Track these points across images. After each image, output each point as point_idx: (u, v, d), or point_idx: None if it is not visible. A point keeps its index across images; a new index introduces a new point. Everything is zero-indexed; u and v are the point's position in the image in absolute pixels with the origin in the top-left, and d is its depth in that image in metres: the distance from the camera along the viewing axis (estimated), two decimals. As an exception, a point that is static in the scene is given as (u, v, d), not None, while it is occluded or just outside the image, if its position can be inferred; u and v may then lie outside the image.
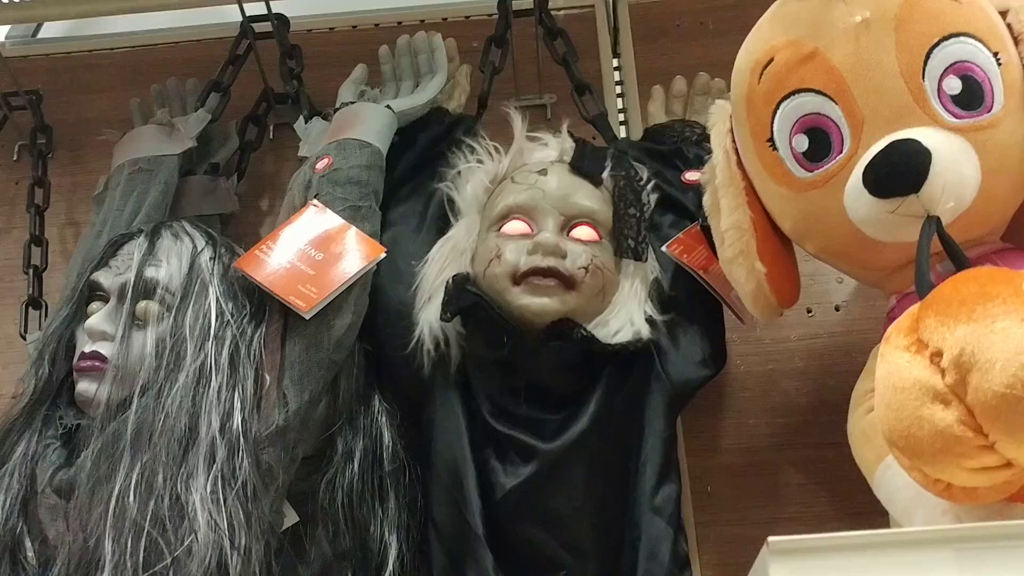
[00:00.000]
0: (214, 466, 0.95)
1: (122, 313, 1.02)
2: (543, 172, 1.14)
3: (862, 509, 1.08)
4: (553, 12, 1.49)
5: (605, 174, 1.15)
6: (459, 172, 1.20)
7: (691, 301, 1.14)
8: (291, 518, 1.05)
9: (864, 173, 0.86)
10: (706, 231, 1.13)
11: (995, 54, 0.90)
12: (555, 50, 1.37)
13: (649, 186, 1.17)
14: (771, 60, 0.95)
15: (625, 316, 1.08)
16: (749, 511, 1.20)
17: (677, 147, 1.26)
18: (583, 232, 1.10)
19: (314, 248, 1.09)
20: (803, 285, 1.21)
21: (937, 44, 0.88)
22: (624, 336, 1.06)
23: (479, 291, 1.08)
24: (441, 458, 1.08)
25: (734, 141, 1.03)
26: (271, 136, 1.46)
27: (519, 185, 1.13)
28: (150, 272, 1.04)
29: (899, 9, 0.89)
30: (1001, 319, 0.66)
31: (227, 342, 1.02)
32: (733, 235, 1.00)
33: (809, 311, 1.30)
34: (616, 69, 1.53)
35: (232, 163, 1.40)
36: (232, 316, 1.04)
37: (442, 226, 1.19)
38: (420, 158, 1.25)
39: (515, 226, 1.11)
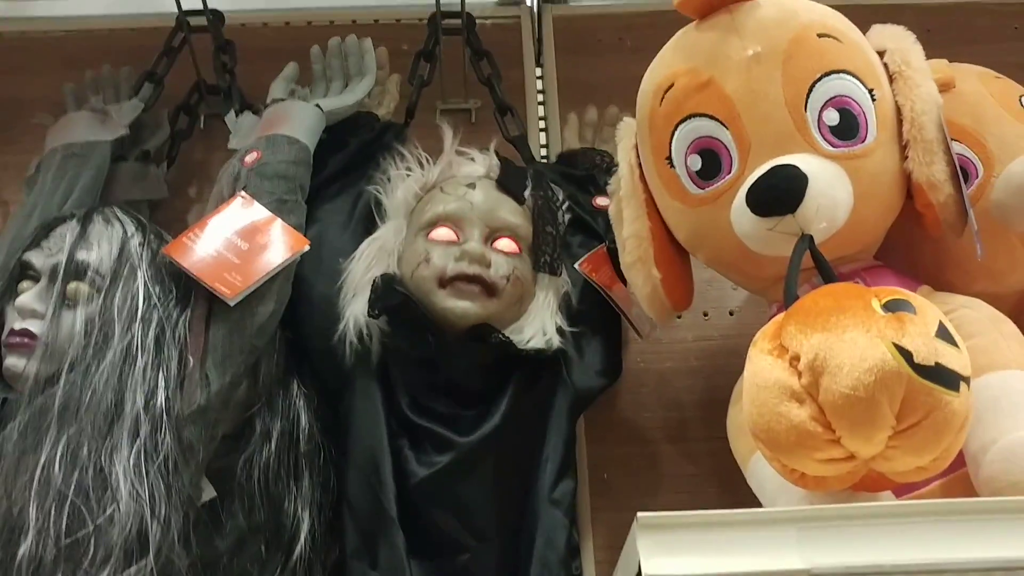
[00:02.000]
0: (137, 440, 1.00)
1: (53, 293, 1.06)
2: (472, 186, 1.22)
3: (744, 499, 1.15)
4: (480, 20, 1.57)
5: (527, 193, 1.24)
6: (389, 177, 1.27)
7: (596, 315, 1.24)
8: (209, 493, 1.10)
9: (747, 193, 0.95)
10: (612, 253, 1.23)
11: (871, 90, 0.99)
12: (480, 71, 1.45)
13: (564, 207, 1.26)
14: (672, 85, 1.03)
15: (538, 324, 1.17)
16: (641, 498, 1.28)
17: (590, 174, 1.36)
18: (505, 244, 1.19)
19: (240, 238, 1.14)
20: (700, 290, 1.31)
21: (819, 79, 0.98)
22: (537, 343, 1.15)
23: (406, 291, 1.15)
24: (359, 444, 1.15)
25: (638, 156, 1.11)
26: (202, 126, 1.51)
27: (449, 195, 1.21)
28: (81, 255, 1.09)
29: (787, 45, 0.98)
30: (851, 330, 0.76)
31: (153, 324, 1.07)
32: (633, 243, 1.09)
33: (705, 315, 1.39)
34: (539, 78, 1.61)
35: (163, 151, 1.44)
36: (159, 300, 1.09)
37: (368, 226, 1.26)
38: (350, 160, 1.31)
39: (443, 233, 1.18)
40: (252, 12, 1.61)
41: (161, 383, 1.04)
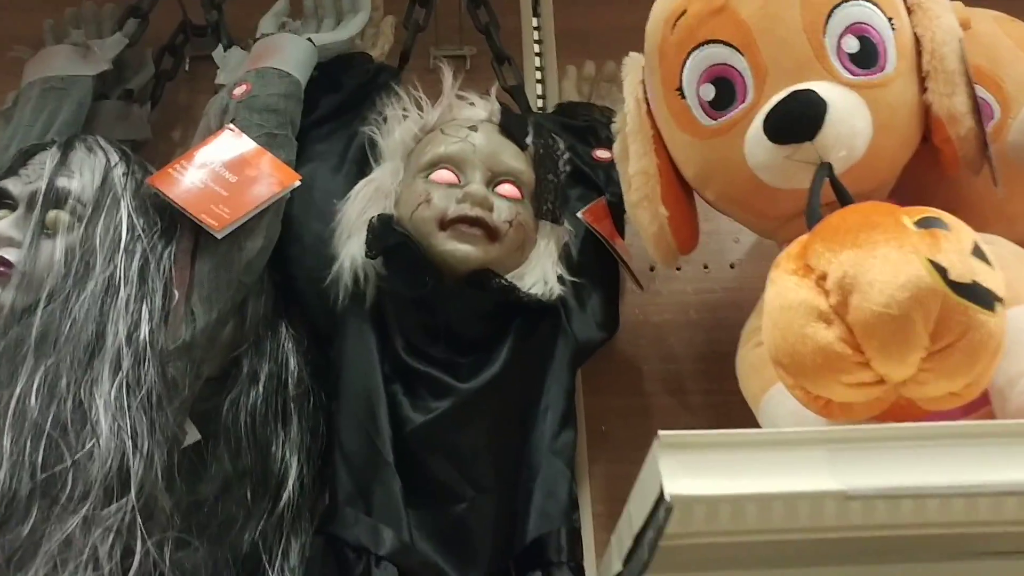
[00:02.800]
0: (119, 374, 0.95)
1: (31, 221, 1.01)
2: (474, 128, 1.17)
3: None
4: (476, -32, 1.52)
5: (529, 139, 1.19)
6: (385, 118, 1.22)
7: (595, 267, 1.21)
8: (193, 435, 1.05)
9: (764, 120, 0.92)
10: (612, 206, 1.21)
11: (890, 19, 0.96)
12: (478, 18, 1.41)
13: (565, 156, 1.22)
14: (684, 12, 0.99)
15: (540, 272, 1.13)
16: (639, 451, 1.22)
17: (591, 124, 1.32)
18: (507, 189, 1.14)
19: (228, 170, 1.09)
20: (701, 243, 1.27)
21: (838, 5, 0.94)
22: (538, 290, 1.11)
23: (405, 231, 1.10)
24: (352, 388, 1.10)
25: (645, 91, 1.07)
26: (187, 68, 1.45)
27: (450, 137, 1.16)
28: (62, 182, 1.04)
29: (805, -31, 0.94)
30: (882, 245, 0.72)
31: (137, 256, 1.02)
32: (640, 180, 1.05)
33: (706, 267, 1.36)
34: (536, 28, 1.56)
35: (147, 91, 1.39)
36: (143, 231, 1.04)
37: (361, 168, 1.21)
38: (344, 100, 1.26)
39: (443, 174, 1.14)
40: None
41: (145, 316, 0.99)
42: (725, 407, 1.21)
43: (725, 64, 0.97)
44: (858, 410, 0.75)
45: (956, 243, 0.72)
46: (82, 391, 0.93)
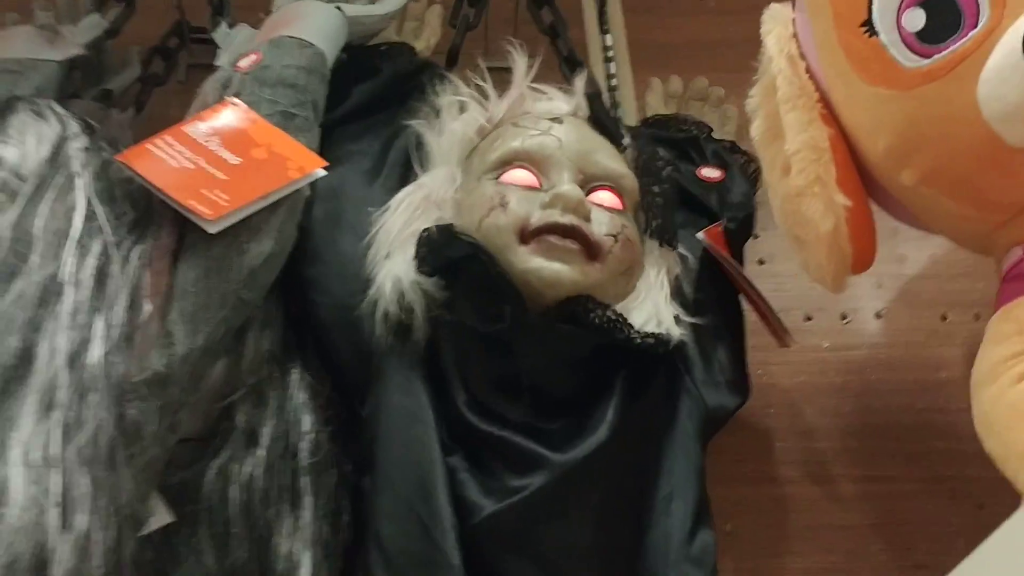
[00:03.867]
0: (52, 412, 0.63)
1: (-54, 196, 0.71)
2: (557, 120, 0.88)
3: (924, 561, 0.89)
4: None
5: (627, 140, 0.91)
6: (437, 111, 0.93)
7: (718, 310, 0.91)
8: (162, 517, 0.73)
9: (1028, 36, 0.62)
10: (729, 234, 0.93)
11: None
12: (541, 19, 1.15)
13: (669, 168, 0.92)
14: (875, -86, 0.71)
15: (651, 308, 0.83)
16: (780, 558, 0.92)
17: (693, 136, 1.05)
18: (605, 198, 0.85)
19: (229, 150, 0.80)
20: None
21: None
22: (651, 330, 0.81)
23: (476, 241, 0.80)
24: (396, 460, 0.78)
25: (799, 47, 0.79)
26: (183, 78, 1.18)
27: (527, 129, 0.87)
28: None
29: None
30: None
31: (94, 251, 0.72)
32: (807, 156, 0.75)
33: (844, 317, 1.06)
34: (605, 48, 1.31)
35: (131, 96, 1.11)
36: (107, 221, 0.74)
37: (404, 176, 0.92)
38: (382, 92, 0.98)
39: (519, 175, 0.84)
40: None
41: (98, 332, 0.68)
42: (889, 498, 0.92)
43: (945, -24, 0.68)
44: None
45: None
46: (-12, 433, 0.61)
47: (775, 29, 0.81)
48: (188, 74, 1.19)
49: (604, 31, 1.32)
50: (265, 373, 0.80)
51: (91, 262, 0.71)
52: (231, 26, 1.01)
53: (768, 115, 0.80)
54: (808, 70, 0.78)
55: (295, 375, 0.82)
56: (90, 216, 0.73)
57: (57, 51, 1.00)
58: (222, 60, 0.98)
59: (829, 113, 0.77)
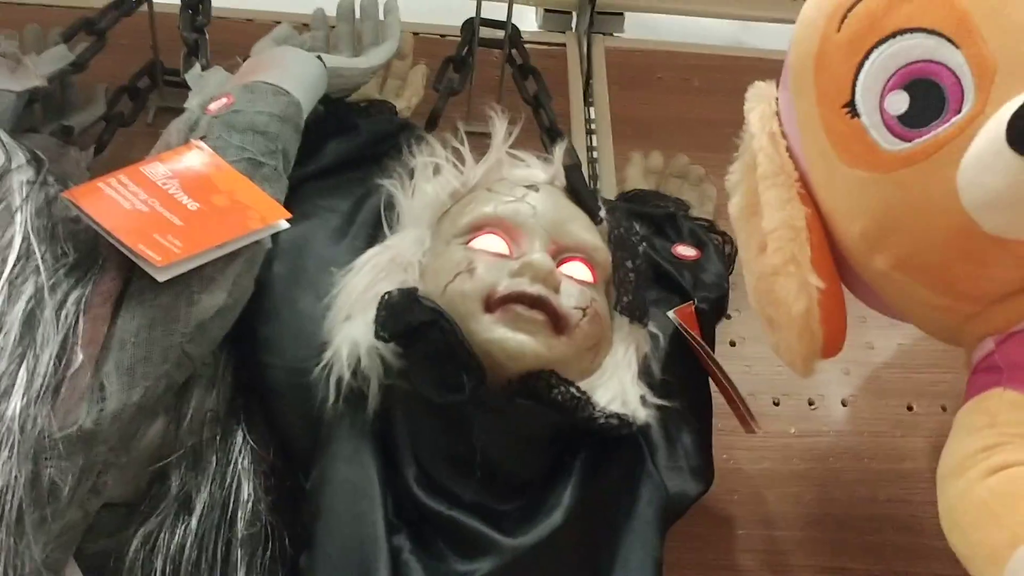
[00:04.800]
0: (-42, 465, 0.58)
1: None
2: (533, 187, 0.86)
3: None
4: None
5: (603, 213, 0.88)
6: (411, 172, 0.90)
7: (686, 392, 0.86)
8: (78, 588, 0.68)
9: (1011, 122, 0.61)
10: (700, 315, 0.91)
11: None
12: (525, 89, 1.16)
13: (643, 244, 0.90)
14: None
15: (617, 387, 0.78)
16: None
17: (671, 213, 1.03)
18: (578, 270, 0.81)
19: (188, 194, 0.76)
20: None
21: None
22: (615, 410, 0.76)
23: (439, 307, 0.76)
24: (337, 534, 0.73)
25: (781, 124, 0.77)
26: (150, 120, 1.16)
27: (500, 195, 0.84)
28: None
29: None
30: None
31: (26, 294, 0.67)
32: (784, 235, 0.73)
33: (811, 403, 1.04)
34: (587, 120, 1.30)
35: (91, 135, 1.08)
36: (43, 261, 0.69)
37: (372, 237, 0.89)
38: (358, 149, 0.96)
39: (490, 241, 0.81)
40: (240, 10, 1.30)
41: (21, 381, 0.63)
42: None
43: (929, 61, 0.67)
44: None
45: None
46: None
47: (758, 106, 0.79)
48: (157, 117, 1.16)
49: (588, 103, 1.32)
50: (207, 435, 0.76)
51: (20, 305, 0.66)
52: (204, 68, 0.98)
53: (747, 191, 0.78)
54: (789, 149, 0.76)
55: (238, 438, 0.78)
56: (26, 255, 0.69)
57: (16, 81, 0.96)
58: (191, 102, 0.95)
59: (807, 193, 0.75)
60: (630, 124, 1.26)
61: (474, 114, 1.21)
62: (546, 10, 1.39)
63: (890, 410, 1.03)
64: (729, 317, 1.04)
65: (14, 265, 0.68)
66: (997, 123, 0.62)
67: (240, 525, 0.74)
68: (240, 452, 0.78)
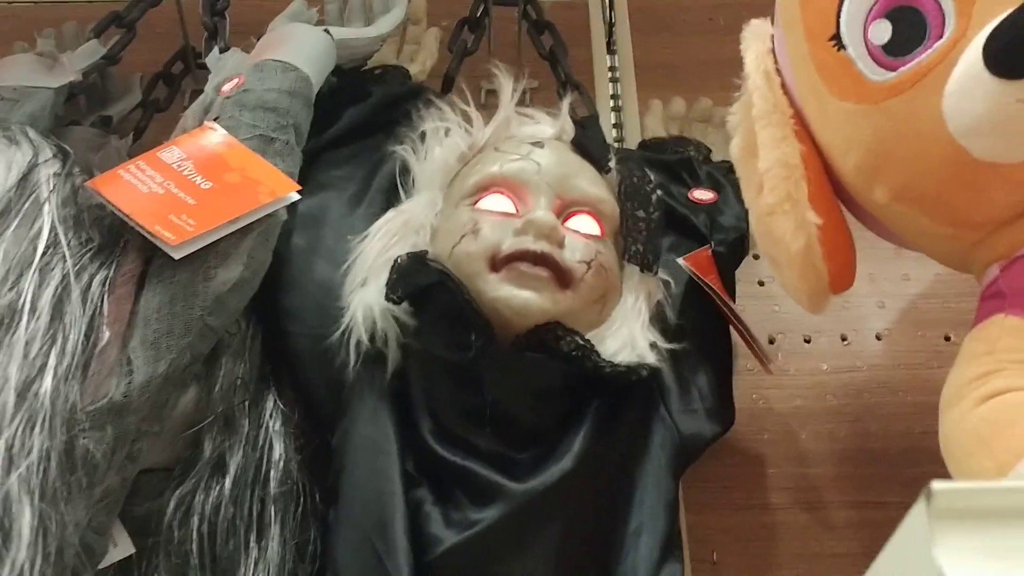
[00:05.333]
0: (-2, 438, 0.63)
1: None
2: (539, 144, 0.87)
3: None
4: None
5: (612, 163, 0.89)
6: (423, 135, 0.92)
7: (701, 335, 0.88)
8: (124, 548, 0.73)
9: (987, 45, 0.60)
10: (718, 258, 0.91)
11: None
12: (541, 44, 1.16)
13: (658, 192, 0.91)
14: (843, -74, 0.69)
15: (626, 335, 0.80)
16: None
17: (687, 158, 1.03)
18: (584, 223, 0.83)
19: (201, 175, 0.80)
20: (837, 308, 0.96)
21: None
22: (624, 358, 0.79)
23: (445, 269, 0.79)
24: (358, 489, 0.77)
25: (776, 62, 0.77)
26: (186, 103, 1.19)
27: (507, 154, 0.86)
28: None
29: None
30: None
31: (55, 279, 0.72)
32: (778, 174, 0.73)
33: (844, 338, 1.03)
34: (611, 69, 1.30)
35: (131, 122, 1.13)
36: (68, 247, 0.74)
37: (389, 202, 0.91)
38: (371, 115, 0.98)
39: (496, 201, 0.83)
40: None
41: (52, 361, 0.68)
42: (883, 526, 0.86)
43: (910, -12, 0.66)
44: None
45: None
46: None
47: (753, 45, 0.79)
48: (191, 100, 1.20)
49: (612, 51, 1.31)
50: (237, 400, 0.80)
51: (49, 291, 0.71)
52: (224, 51, 1.02)
53: (745, 132, 0.78)
54: (783, 86, 0.76)
55: (269, 403, 0.82)
56: (53, 243, 0.73)
57: (54, 78, 1.01)
58: (209, 85, 0.99)
59: (803, 130, 0.75)
60: (654, 69, 1.25)
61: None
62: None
63: (927, 342, 1.01)
64: (757, 257, 1.03)
65: (43, 253, 0.72)
66: (975, 47, 0.61)
67: (273, 484, 0.79)
68: (271, 416, 0.82)
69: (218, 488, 0.76)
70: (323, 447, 0.83)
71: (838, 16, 0.69)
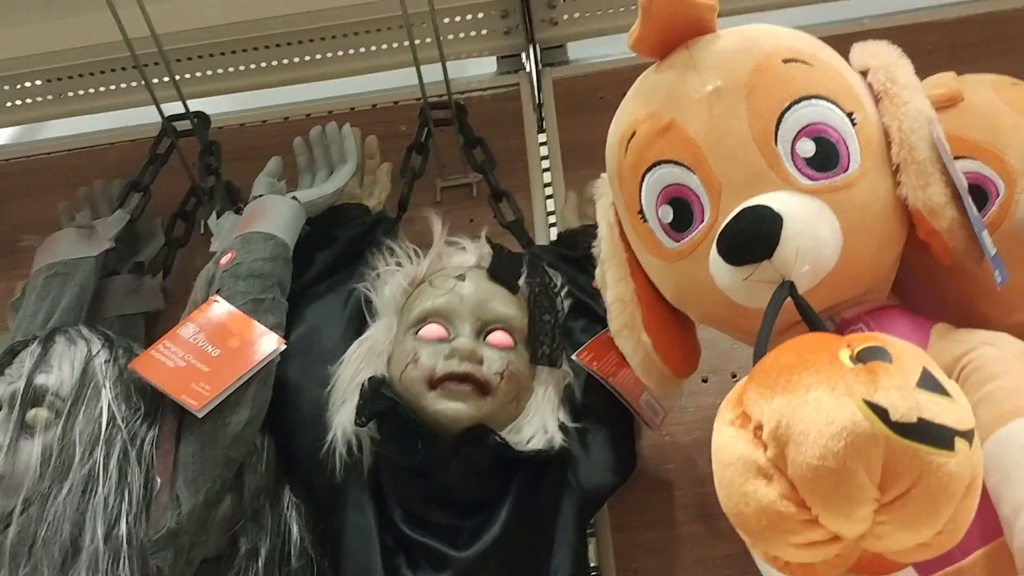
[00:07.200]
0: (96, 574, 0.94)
1: (11, 422, 1.02)
2: (461, 277, 1.15)
3: None
4: (480, 92, 1.54)
5: (521, 281, 1.16)
6: (378, 274, 1.21)
7: (603, 407, 1.15)
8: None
9: (717, 241, 0.85)
10: None
11: (850, 114, 0.89)
12: (474, 158, 1.41)
13: (563, 292, 1.18)
14: (634, 133, 0.94)
15: (539, 422, 1.08)
16: None
17: (588, 253, 1.24)
18: (498, 338, 1.11)
19: (211, 344, 1.09)
20: (725, 350, 1.21)
21: (788, 108, 0.88)
22: (537, 443, 1.06)
23: (394, 395, 1.07)
24: (351, 564, 1.06)
25: (617, 214, 1.03)
26: (202, 231, 1.47)
27: (437, 289, 1.14)
28: (40, 379, 1.04)
29: (750, 76, 0.89)
30: (814, 388, 0.64)
31: (117, 447, 1.02)
32: (617, 308, 1.00)
33: (734, 376, 1.28)
34: (542, 144, 1.53)
35: (159, 260, 1.41)
36: (124, 419, 1.03)
37: (360, 326, 1.19)
38: (340, 256, 1.26)
39: (432, 329, 1.11)
40: (243, 112, 1.59)
41: (124, 509, 0.98)
42: None
43: (679, 184, 0.91)
44: (821, 570, 0.67)
45: (898, 377, 0.64)
46: (57, 599, 0.92)
47: (602, 198, 1.05)
48: (206, 228, 1.48)
49: (542, 130, 1.55)
50: (261, 503, 1.10)
51: (115, 456, 1.00)
52: (220, 212, 1.30)
53: (600, 265, 1.04)
54: (622, 235, 1.01)
55: (285, 497, 1.12)
56: (111, 418, 1.03)
57: (92, 247, 1.30)
58: (214, 246, 1.27)
59: (636, 270, 1.00)
60: (578, 150, 1.47)
61: (447, 168, 1.48)
62: (499, 56, 1.61)
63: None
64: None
65: (106, 427, 1.02)
66: (714, 237, 0.87)
67: (293, 560, 1.09)
68: (287, 507, 1.12)
69: (252, 571, 1.06)
70: (326, 529, 1.11)
71: (640, 198, 0.95)
